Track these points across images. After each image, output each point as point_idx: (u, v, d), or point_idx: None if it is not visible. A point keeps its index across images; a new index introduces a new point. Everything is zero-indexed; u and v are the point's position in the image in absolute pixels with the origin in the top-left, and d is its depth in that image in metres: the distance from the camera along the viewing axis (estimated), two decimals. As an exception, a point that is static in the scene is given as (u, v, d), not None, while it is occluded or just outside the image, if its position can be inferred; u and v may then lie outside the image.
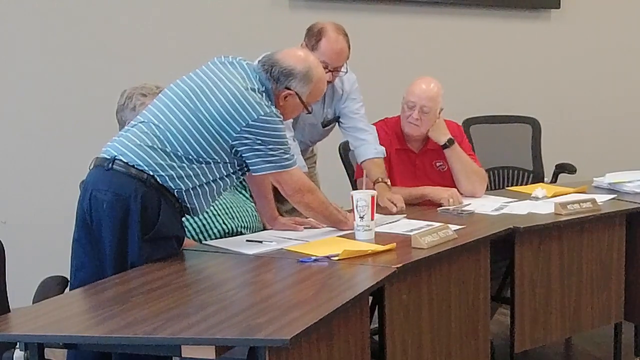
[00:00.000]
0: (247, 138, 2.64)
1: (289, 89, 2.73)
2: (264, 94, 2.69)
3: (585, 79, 5.77)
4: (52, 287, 2.48)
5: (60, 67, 4.30)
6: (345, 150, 3.77)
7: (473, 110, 4.61)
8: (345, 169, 3.85)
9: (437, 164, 3.65)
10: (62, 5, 4.29)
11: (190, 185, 2.65)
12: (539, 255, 3.15)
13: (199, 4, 4.60)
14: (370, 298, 2.45)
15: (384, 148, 3.48)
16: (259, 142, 2.64)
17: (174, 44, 4.47)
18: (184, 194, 2.65)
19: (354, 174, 3.67)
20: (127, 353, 2.22)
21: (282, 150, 2.70)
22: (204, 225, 2.97)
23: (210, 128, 2.62)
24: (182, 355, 1.95)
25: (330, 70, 3.26)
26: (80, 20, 4.33)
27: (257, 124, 2.62)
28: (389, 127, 3.63)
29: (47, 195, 4.25)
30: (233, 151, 2.67)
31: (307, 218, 3.17)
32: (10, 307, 2.44)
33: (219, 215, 3.02)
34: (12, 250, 2.52)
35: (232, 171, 2.73)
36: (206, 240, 2.95)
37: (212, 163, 2.66)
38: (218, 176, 2.70)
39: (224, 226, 3.01)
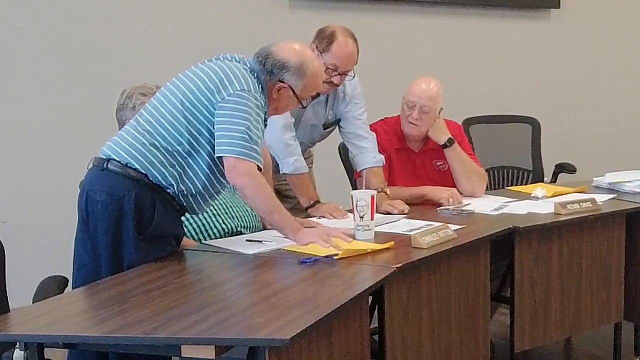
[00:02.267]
0: (222, 109, 2.58)
1: (282, 82, 2.71)
2: (259, 87, 2.66)
3: (585, 79, 5.77)
4: (52, 287, 2.48)
5: (61, 67, 4.30)
6: (345, 151, 3.77)
7: (473, 110, 4.61)
8: (345, 169, 3.85)
9: (438, 164, 3.65)
10: (62, 5, 4.29)
11: (184, 183, 2.63)
12: (539, 255, 3.15)
13: (199, 4, 4.60)
14: (370, 298, 2.45)
15: (383, 157, 3.48)
16: (230, 116, 2.57)
17: (174, 44, 4.47)
18: (178, 192, 2.64)
19: (354, 174, 3.67)
20: (125, 353, 2.22)
21: (248, 137, 2.59)
22: (204, 225, 2.97)
23: (194, 110, 2.60)
24: (182, 355, 1.95)
25: (339, 74, 3.27)
26: (80, 20, 4.33)
27: (233, 98, 2.58)
28: (389, 127, 3.63)
29: (47, 195, 4.25)
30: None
31: (307, 218, 3.18)
32: (10, 307, 2.44)
33: (219, 215, 3.02)
34: (12, 250, 2.52)
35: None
36: (206, 240, 2.95)
37: (202, 152, 2.62)
38: (213, 168, 2.66)
39: (224, 226, 3.01)
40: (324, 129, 3.56)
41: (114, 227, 2.55)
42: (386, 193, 3.36)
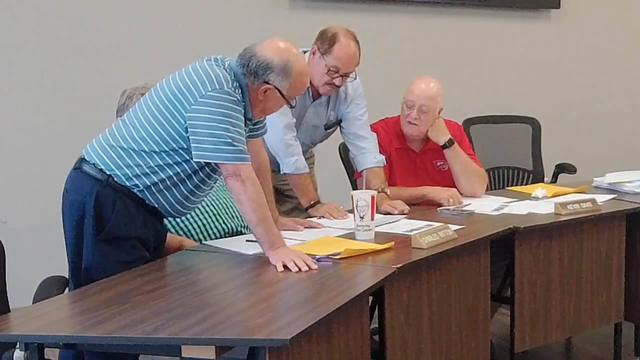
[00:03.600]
0: (195, 111, 2.50)
1: (267, 83, 2.61)
2: (235, 84, 2.58)
3: (585, 79, 5.76)
4: (52, 287, 2.49)
5: (61, 67, 4.30)
6: (345, 151, 3.77)
7: (473, 110, 4.61)
8: (345, 169, 3.85)
9: (438, 164, 3.65)
10: (62, 6, 4.29)
11: (152, 182, 2.59)
12: (539, 255, 3.15)
13: (199, 5, 4.60)
14: (370, 298, 2.45)
15: (383, 157, 3.48)
16: (206, 119, 2.49)
17: (174, 44, 4.47)
18: (145, 192, 2.60)
19: (354, 174, 3.67)
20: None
21: (229, 139, 2.51)
22: (204, 225, 2.97)
23: (165, 111, 2.54)
24: (182, 355, 1.95)
25: (340, 75, 3.27)
26: (80, 20, 4.33)
27: (205, 100, 2.50)
28: (389, 127, 3.63)
29: (47, 195, 4.22)
30: (188, 133, 2.54)
31: (307, 218, 3.18)
32: (10, 307, 2.44)
33: (219, 215, 3.02)
34: (12, 250, 2.52)
35: (188, 158, 2.59)
36: (206, 240, 2.95)
37: (170, 152, 2.57)
38: (177, 170, 2.60)
39: (224, 226, 3.01)
40: (325, 130, 3.56)
41: (76, 227, 2.56)
42: (386, 193, 3.36)
